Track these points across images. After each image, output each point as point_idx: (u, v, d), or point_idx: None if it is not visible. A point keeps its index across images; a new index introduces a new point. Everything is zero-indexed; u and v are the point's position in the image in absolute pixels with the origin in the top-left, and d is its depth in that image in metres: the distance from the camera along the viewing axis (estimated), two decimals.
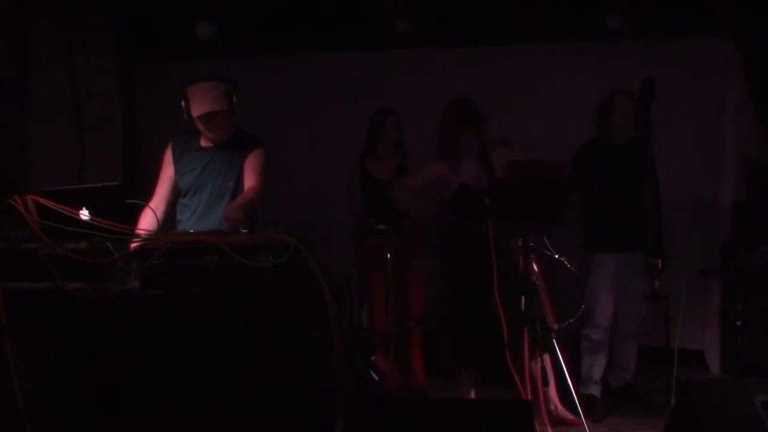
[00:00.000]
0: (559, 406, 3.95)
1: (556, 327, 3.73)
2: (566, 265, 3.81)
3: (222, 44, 5.49)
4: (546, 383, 3.59)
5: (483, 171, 4.01)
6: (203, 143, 3.66)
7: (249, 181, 3.58)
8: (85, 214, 2.60)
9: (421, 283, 4.62)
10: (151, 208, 3.36)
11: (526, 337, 3.47)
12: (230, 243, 2.50)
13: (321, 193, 5.57)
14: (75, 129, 5.36)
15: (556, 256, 3.76)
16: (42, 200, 2.54)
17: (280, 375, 2.51)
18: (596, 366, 4.37)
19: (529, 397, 3.45)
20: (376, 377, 4.40)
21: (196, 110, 3.49)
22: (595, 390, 4.37)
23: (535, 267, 3.68)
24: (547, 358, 3.75)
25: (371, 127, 4.66)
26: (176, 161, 3.67)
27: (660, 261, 3.85)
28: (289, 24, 5.49)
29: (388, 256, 4.28)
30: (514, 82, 5.36)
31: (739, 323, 4.03)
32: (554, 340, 3.67)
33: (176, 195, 3.67)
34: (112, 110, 5.61)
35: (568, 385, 3.70)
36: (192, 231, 3.29)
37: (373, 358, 4.51)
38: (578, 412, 3.72)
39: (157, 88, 5.56)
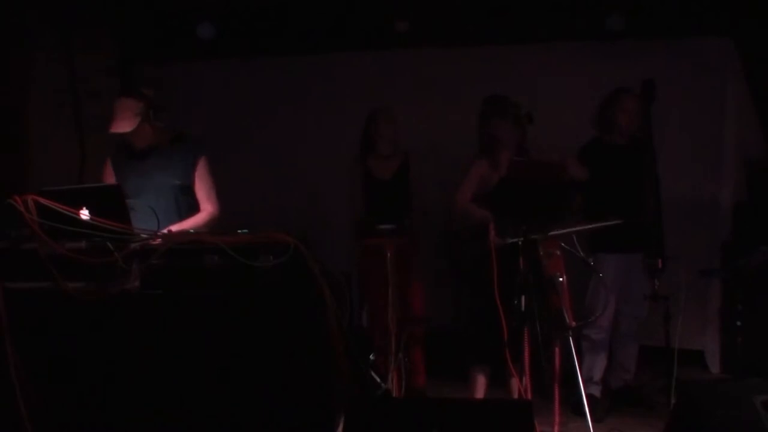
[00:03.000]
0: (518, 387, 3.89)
1: (574, 325, 3.72)
2: (591, 264, 3.80)
3: (222, 44, 5.49)
4: (554, 381, 3.58)
5: None
6: (140, 147, 3.67)
7: (205, 203, 3.68)
8: (85, 214, 2.60)
9: (421, 283, 4.62)
10: None
11: (526, 336, 3.47)
12: (230, 243, 2.50)
13: (321, 193, 5.57)
14: (75, 129, 5.36)
15: (585, 257, 3.74)
16: (42, 200, 2.54)
17: (280, 375, 2.51)
18: (596, 366, 4.37)
19: (530, 397, 3.45)
20: (376, 377, 4.39)
21: (111, 127, 3.55)
22: (595, 390, 4.37)
23: (562, 264, 3.66)
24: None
25: (366, 126, 4.66)
26: (117, 169, 3.70)
27: (660, 261, 3.85)
28: (289, 24, 5.49)
29: (389, 256, 4.28)
30: (514, 82, 5.35)
31: (739, 323, 4.02)
32: (570, 338, 3.66)
33: None
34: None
35: (579, 384, 3.69)
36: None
37: (373, 358, 4.50)
38: (584, 412, 3.71)
39: (157, 88, 5.56)
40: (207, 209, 3.70)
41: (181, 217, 3.60)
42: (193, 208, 3.69)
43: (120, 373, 2.55)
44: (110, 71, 5.59)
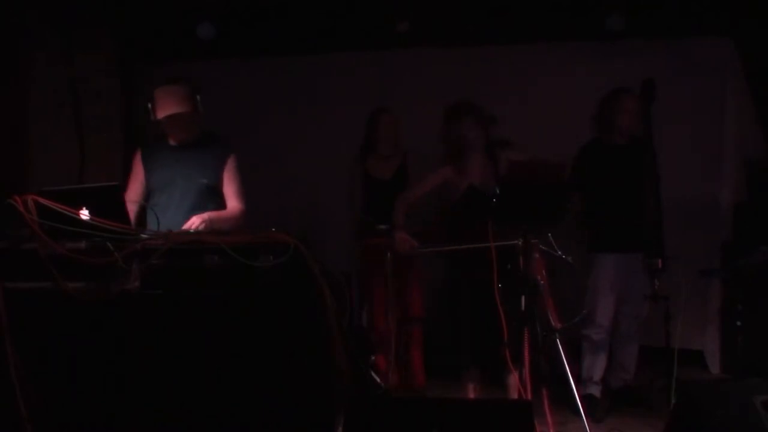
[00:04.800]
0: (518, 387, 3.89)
1: (559, 327, 3.73)
2: (573, 265, 3.80)
3: (222, 44, 5.49)
4: (545, 382, 3.59)
5: (490, 171, 4.02)
6: (172, 143, 3.70)
7: (233, 200, 3.68)
8: (85, 214, 2.60)
9: (421, 284, 4.62)
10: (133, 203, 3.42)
11: (526, 336, 3.47)
12: (230, 243, 2.50)
13: (321, 193, 5.57)
14: (75, 129, 5.36)
15: (565, 256, 3.75)
16: (42, 200, 2.54)
17: (280, 375, 2.51)
18: (596, 366, 4.37)
19: (530, 397, 3.45)
20: (376, 377, 4.39)
21: (161, 112, 3.55)
22: (595, 390, 4.37)
23: (541, 267, 3.68)
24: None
25: (367, 126, 4.67)
26: (146, 162, 3.70)
27: (660, 261, 3.84)
28: (289, 24, 5.50)
29: (389, 256, 4.28)
30: (514, 82, 5.36)
31: (739, 323, 4.02)
32: (557, 340, 3.67)
33: (146, 198, 3.68)
34: (112, 110, 5.61)
35: (570, 384, 3.70)
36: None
37: (373, 358, 4.50)
38: (579, 412, 3.72)
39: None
40: (237, 206, 3.68)
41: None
42: (220, 207, 3.67)
43: (120, 373, 2.55)
44: (110, 71, 5.60)
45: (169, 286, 2.54)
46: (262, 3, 5.44)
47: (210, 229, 3.26)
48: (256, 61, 5.69)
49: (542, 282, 3.62)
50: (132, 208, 3.55)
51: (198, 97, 3.61)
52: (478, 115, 4.02)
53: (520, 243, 3.56)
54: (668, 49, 5.11)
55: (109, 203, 2.74)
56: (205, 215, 3.40)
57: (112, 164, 5.59)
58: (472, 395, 4.01)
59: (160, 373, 2.53)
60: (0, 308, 2.45)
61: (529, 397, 3.44)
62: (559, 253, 3.73)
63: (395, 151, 4.67)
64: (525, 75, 5.39)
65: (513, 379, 3.70)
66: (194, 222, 3.33)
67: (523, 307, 3.49)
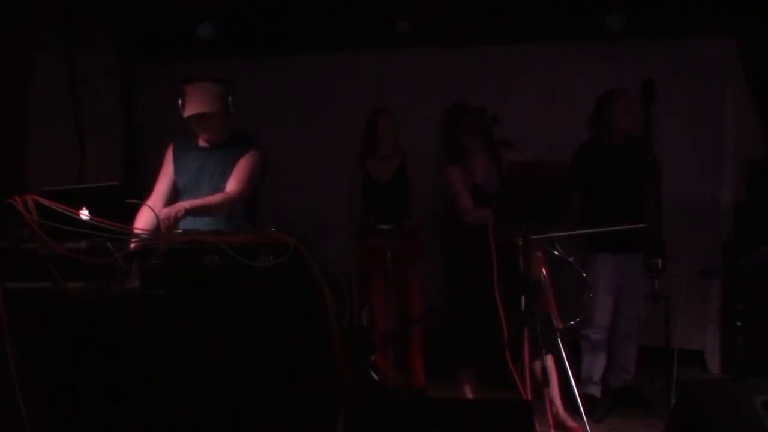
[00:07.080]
0: (561, 410, 3.94)
1: (561, 327, 3.73)
2: (574, 266, 3.80)
3: (222, 44, 5.49)
4: (546, 384, 3.59)
5: (493, 171, 4.02)
6: (201, 144, 3.66)
7: (229, 184, 3.51)
8: (85, 214, 2.60)
9: (421, 284, 4.62)
10: (148, 206, 3.34)
11: (526, 336, 3.47)
12: (230, 243, 2.50)
13: (321, 193, 5.57)
14: (75, 129, 5.36)
15: (565, 257, 3.75)
16: (42, 200, 2.54)
17: (280, 375, 2.51)
18: (596, 366, 4.38)
19: (530, 397, 3.45)
20: (376, 377, 4.40)
21: (189, 110, 3.48)
22: (595, 390, 4.37)
23: (543, 267, 3.68)
24: (549, 358, 3.74)
25: (366, 126, 4.66)
26: (175, 160, 3.66)
27: (660, 261, 3.85)
28: (289, 24, 5.50)
29: (389, 256, 4.28)
30: (514, 82, 5.36)
31: (739, 323, 4.02)
32: (559, 340, 3.67)
33: (175, 194, 3.65)
34: (112, 110, 5.62)
35: (571, 385, 3.70)
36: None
37: (373, 358, 4.51)
38: (579, 412, 3.72)
39: (157, 88, 5.56)
40: (227, 188, 3.49)
41: (231, 221, 3.52)
42: (245, 213, 3.60)
43: (120, 373, 2.55)
44: (110, 71, 5.60)
45: (169, 286, 2.54)
46: (262, 3, 5.44)
47: (186, 216, 3.18)
48: (256, 61, 5.69)
49: (545, 281, 3.62)
50: (158, 203, 3.50)
51: (229, 97, 3.53)
52: (477, 117, 4.02)
53: (520, 243, 3.56)
54: (668, 49, 5.11)
55: (109, 203, 2.74)
56: (180, 205, 3.25)
57: (112, 164, 5.60)
58: (470, 395, 4.02)
59: (161, 373, 2.53)
60: (0, 308, 2.45)
61: (529, 397, 3.44)
62: (560, 252, 3.74)
63: (395, 152, 4.67)
64: (525, 75, 5.39)
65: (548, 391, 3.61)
66: (166, 214, 3.14)
67: (523, 307, 3.49)
